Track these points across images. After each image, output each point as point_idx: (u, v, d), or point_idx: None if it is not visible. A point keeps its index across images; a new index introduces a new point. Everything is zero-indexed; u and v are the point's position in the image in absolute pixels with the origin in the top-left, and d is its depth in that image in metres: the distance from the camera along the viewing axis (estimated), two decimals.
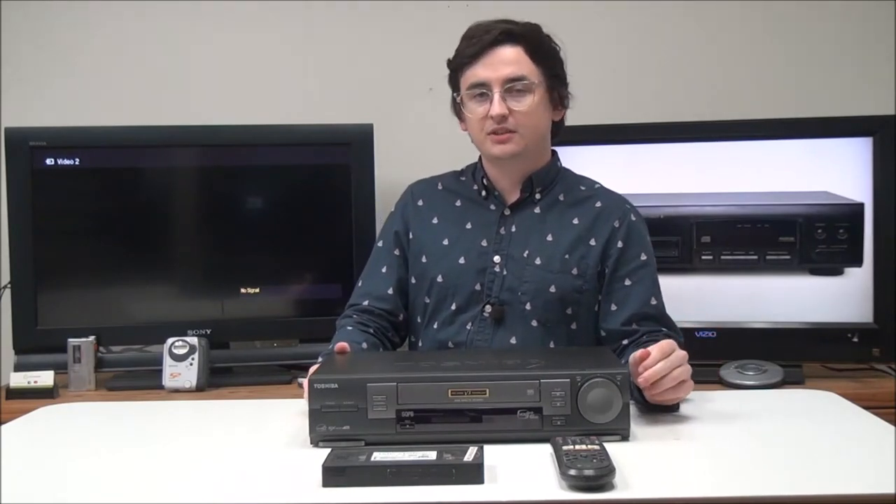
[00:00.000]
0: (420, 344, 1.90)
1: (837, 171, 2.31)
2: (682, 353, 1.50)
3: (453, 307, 1.85)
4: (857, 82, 2.58)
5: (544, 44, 1.84)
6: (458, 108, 1.88)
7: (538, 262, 1.83)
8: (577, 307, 1.83)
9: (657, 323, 1.81)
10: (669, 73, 2.64)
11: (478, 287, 1.84)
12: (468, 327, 1.83)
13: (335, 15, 2.66)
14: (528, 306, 1.82)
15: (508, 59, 1.79)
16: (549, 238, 1.85)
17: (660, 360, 1.47)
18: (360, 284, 1.96)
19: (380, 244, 1.97)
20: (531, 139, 1.82)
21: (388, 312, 1.90)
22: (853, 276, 2.30)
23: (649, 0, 2.63)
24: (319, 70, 2.67)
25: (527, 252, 1.84)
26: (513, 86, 1.78)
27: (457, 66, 1.85)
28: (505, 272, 1.83)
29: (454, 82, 1.87)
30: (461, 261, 1.86)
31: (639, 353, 1.49)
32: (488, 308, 1.83)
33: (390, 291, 1.91)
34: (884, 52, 2.57)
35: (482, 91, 1.80)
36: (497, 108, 1.77)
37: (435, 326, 1.87)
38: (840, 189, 2.31)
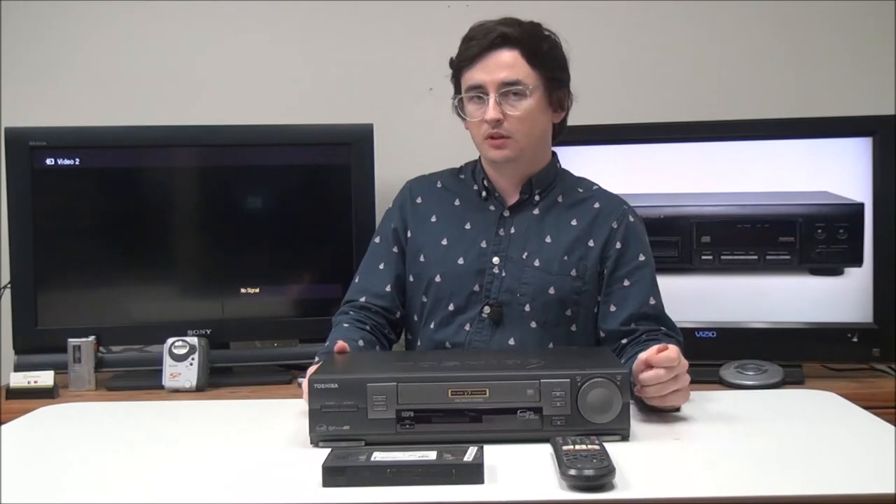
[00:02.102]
0: (419, 343, 1.90)
1: (837, 171, 2.31)
2: (683, 364, 1.49)
3: (451, 308, 1.85)
4: (857, 82, 2.58)
5: (543, 46, 1.82)
6: (460, 108, 1.88)
7: (537, 263, 1.83)
8: (577, 308, 1.83)
9: (656, 323, 1.81)
10: (669, 73, 2.63)
11: (476, 288, 1.84)
12: (466, 328, 1.84)
13: (335, 15, 2.66)
14: (527, 308, 1.82)
15: (504, 64, 1.79)
16: (548, 240, 1.85)
17: (659, 368, 1.46)
18: (356, 280, 1.96)
19: (377, 240, 1.97)
20: (527, 144, 1.82)
21: (384, 310, 1.90)
22: (853, 276, 2.30)
23: (649, 0, 2.63)
24: (319, 70, 2.67)
25: (526, 253, 1.84)
26: (508, 90, 1.78)
27: (457, 68, 1.85)
28: (504, 273, 1.84)
29: (456, 83, 1.88)
30: (460, 261, 1.86)
31: (654, 350, 1.48)
32: (487, 309, 1.83)
33: (388, 288, 1.91)
34: (884, 52, 2.57)
35: (479, 94, 1.80)
36: (491, 112, 1.77)
37: (432, 326, 1.87)
38: (840, 189, 2.31)
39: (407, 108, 2.65)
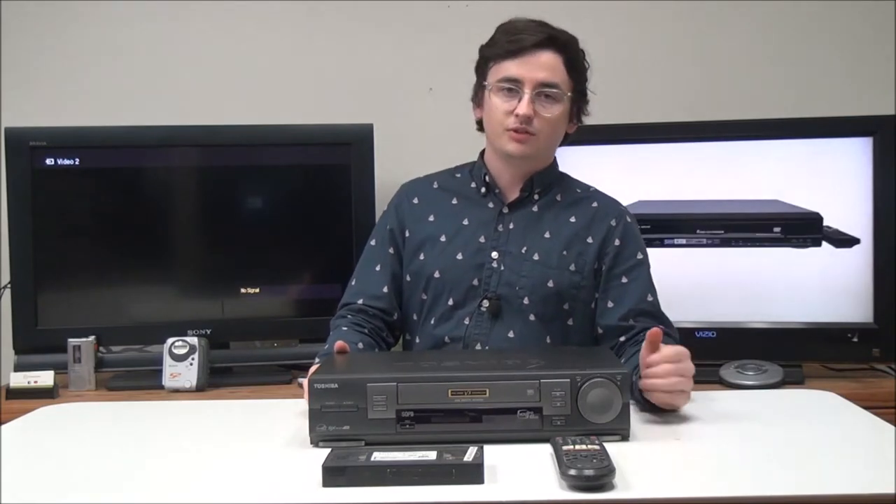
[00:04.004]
0: (417, 341, 1.90)
1: (837, 171, 2.31)
2: (689, 367, 1.51)
3: (450, 302, 1.85)
4: (857, 82, 2.58)
5: (580, 58, 1.85)
6: (478, 94, 1.88)
7: (536, 257, 1.84)
8: (574, 303, 1.84)
9: (654, 320, 1.81)
10: (669, 73, 2.64)
11: (475, 282, 1.84)
12: (466, 322, 1.84)
13: (335, 15, 2.66)
14: (525, 300, 1.83)
15: (546, 64, 1.80)
16: (547, 235, 1.86)
17: (666, 363, 1.48)
18: (353, 283, 1.96)
19: (373, 242, 1.97)
20: (546, 145, 1.84)
21: (382, 311, 1.90)
22: (853, 275, 2.30)
23: (649, 0, 2.63)
24: (319, 70, 2.67)
25: (525, 248, 1.85)
26: (544, 91, 1.79)
27: (492, 56, 1.84)
28: (502, 267, 1.84)
29: (482, 69, 1.87)
30: (458, 256, 1.86)
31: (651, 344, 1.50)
32: (485, 302, 1.83)
33: (385, 290, 1.91)
34: (884, 52, 2.57)
35: (512, 87, 1.80)
36: (525, 108, 1.78)
37: (432, 322, 1.87)
38: (840, 189, 2.30)
39: (407, 108, 2.65)
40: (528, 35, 1.80)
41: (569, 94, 1.82)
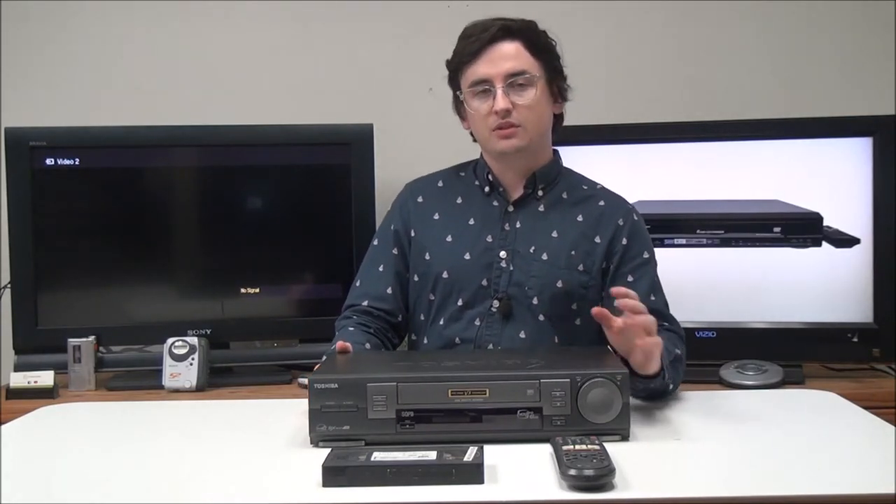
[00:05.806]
0: (425, 341, 1.90)
1: (837, 171, 2.31)
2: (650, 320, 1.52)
3: (459, 303, 1.85)
4: (857, 82, 2.58)
5: (541, 38, 1.85)
6: (459, 107, 1.89)
7: (545, 257, 1.84)
8: (583, 302, 1.84)
9: (659, 318, 1.81)
10: (669, 73, 2.63)
11: (484, 282, 1.85)
12: (476, 323, 1.84)
13: (335, 15, 2.66)
14: (535, 300, 1.83)
15: (508, 54, 1.80)
16: (555, 234, 1.86)
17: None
18: (357, 284, 1.95)
19: (376, 243, 1.97)
20: (535, 133, 1.83)
21: (386, 313, 1.90)
22: (853, 275, 2.30)
23: (649, 0, 2.63)
24: (319, 70, 2.67)
25: (533, 248, 1.85)
26: (514, 80, 1.79)
27: (457, 66, 1.86)
28: (511, 267, 1.84)
29: (454, 82, 1.88)
30: (466, 256, 1.86)
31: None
32: (496, 303, 1.83)
33: (389, 291, 1.91)
34: (884, 52, 2.57)
35: (484, 88, 1.81)
36: (501, 102, 1.78)
37: (441, 322, 1.87)
38: (840, 189, 2.30)
39: (407, 108, 2.65)
40: (481, 33, 1.81)
41: (539, 75, 1.81)
